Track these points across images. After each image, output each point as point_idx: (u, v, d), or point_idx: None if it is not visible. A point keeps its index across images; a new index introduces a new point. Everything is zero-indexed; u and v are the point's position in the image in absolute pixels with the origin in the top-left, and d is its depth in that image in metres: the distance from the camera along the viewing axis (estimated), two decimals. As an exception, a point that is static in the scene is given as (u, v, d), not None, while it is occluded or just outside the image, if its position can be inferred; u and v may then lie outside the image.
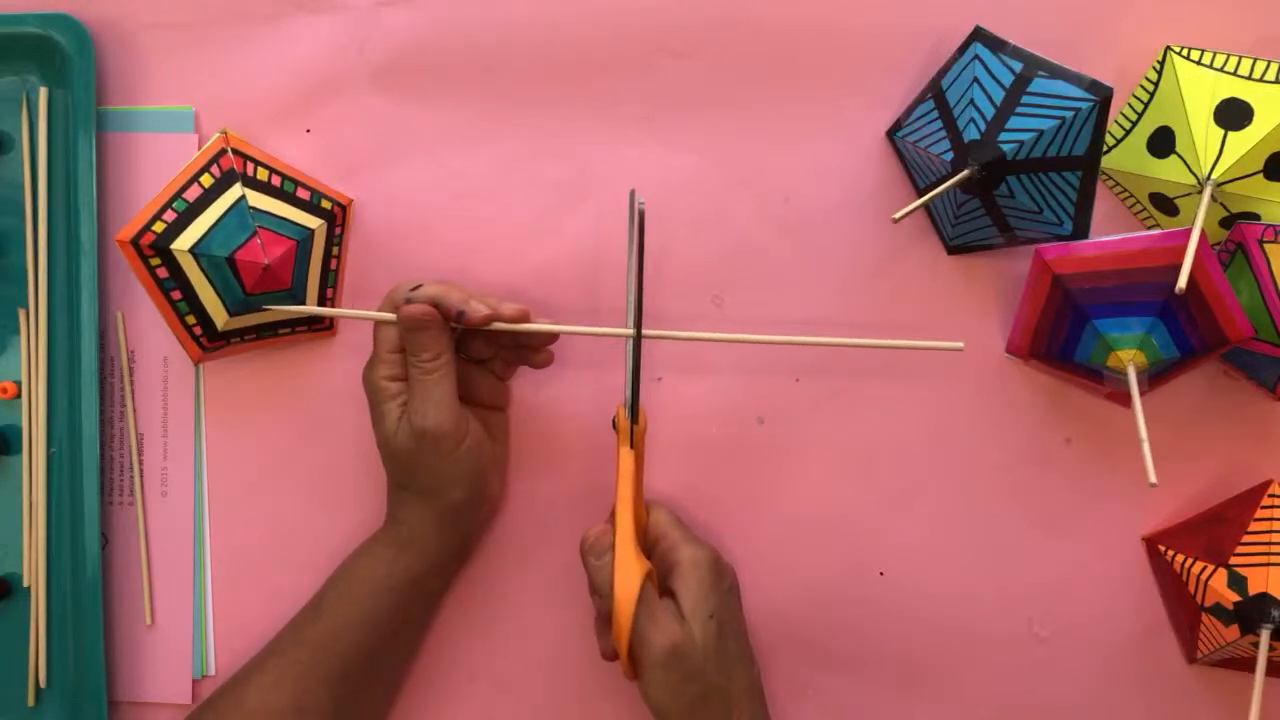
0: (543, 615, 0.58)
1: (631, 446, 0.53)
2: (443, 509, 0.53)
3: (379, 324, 0.54)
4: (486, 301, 0.52)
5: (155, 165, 0.58)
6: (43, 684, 0.58)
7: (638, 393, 0.53)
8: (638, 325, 0.52)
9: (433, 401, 0.51)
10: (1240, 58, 0.53)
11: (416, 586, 0.54)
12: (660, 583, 0.53)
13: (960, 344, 0.52)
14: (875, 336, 0.57)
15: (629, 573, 0.50)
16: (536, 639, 0.58)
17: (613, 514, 0.54)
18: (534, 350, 0.55)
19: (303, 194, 0.56)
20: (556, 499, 0.59)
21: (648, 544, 0.54)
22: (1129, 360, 0.51)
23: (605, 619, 0.53)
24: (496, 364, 0.56)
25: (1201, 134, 0.52)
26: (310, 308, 0.55)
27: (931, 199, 0.52)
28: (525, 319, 0.53)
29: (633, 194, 0.52)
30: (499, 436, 0.57)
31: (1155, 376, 0.52)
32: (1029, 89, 0.51)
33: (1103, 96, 0.50)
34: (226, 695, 0.54)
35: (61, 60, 0.57)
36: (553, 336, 0.55)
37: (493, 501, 0.57)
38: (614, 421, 0.54)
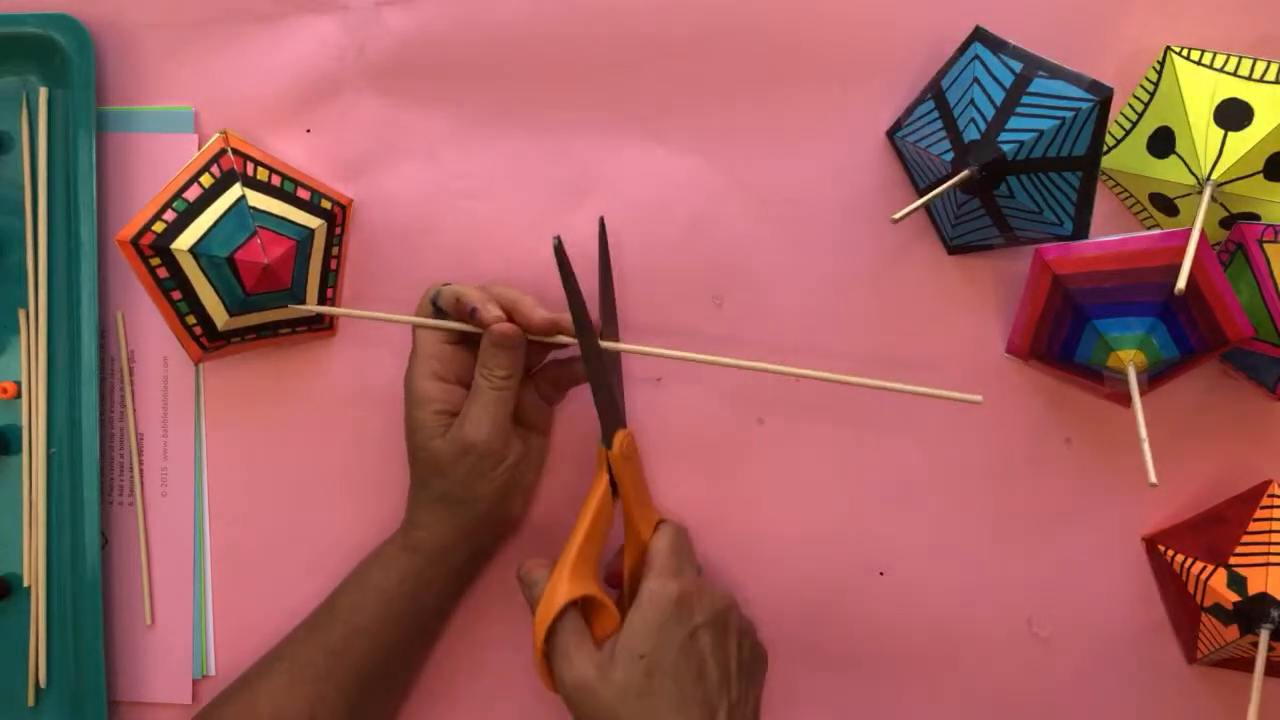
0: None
1: (610, 473, 0.52)
2: (464, 518, 0.53)
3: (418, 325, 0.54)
4: (522, 305, 0.52)
5: (155, 165, 0.58)
6: (43, 684, 0.58)
7: (613, 417, 0.52)
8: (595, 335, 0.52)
9: (490, 417, 0.51)
10: (1240, 58, 0.53)
11: (429, 592, 0.54)
12: (625, 609, 0.51)
13: (979, 397, 0.51)
14: (876, 338, 0.57)
15: (549, 605, 0.49)
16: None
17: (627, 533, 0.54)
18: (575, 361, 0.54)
19: (303, 194, 0.56)
20: (558, 501, 0.58)
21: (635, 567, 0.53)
22: (1129, 360, 0.51)
23: None
24: (543, 383, 0.55)
25: (1201, 134, 0.52)
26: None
27: (931, 199, 0.52)
28: (553, 329, 0.52)
29: (601, 220, 0.52)
30: (535, 461, 0.56)
31: (1155, 376, 0.52)
32: (1029, 89, 0.51)
33: (1103, 96, 0.50)
34: (236, 699, 0.54)
35: (61, 60, 0.57)
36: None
37: (514, 522, 0.57)
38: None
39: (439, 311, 0.54)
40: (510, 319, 0.52)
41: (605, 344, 0.53)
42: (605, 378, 0.52)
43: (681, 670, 0.49)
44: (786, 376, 0.57)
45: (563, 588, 0.49)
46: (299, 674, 0.53)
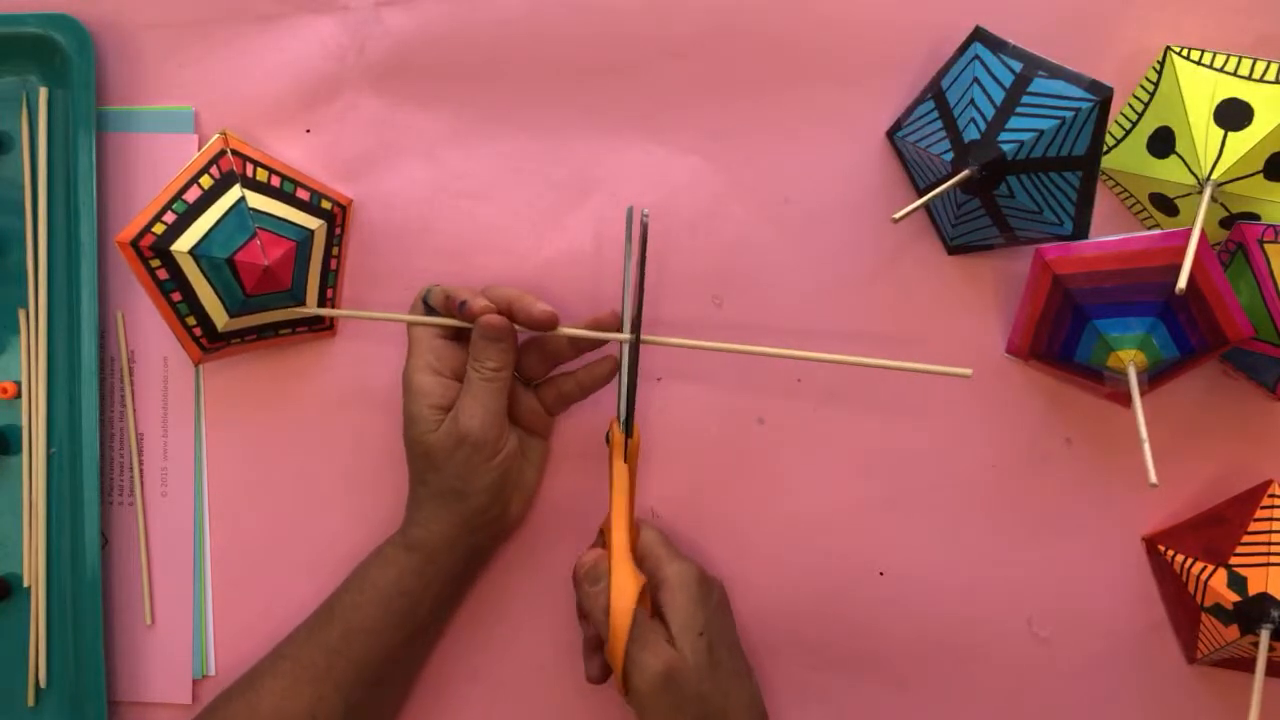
0: (543, 616, 0.58)
1: (626, 460, 0.53)
2: (461, 513, 0.53)
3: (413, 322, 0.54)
4: (521, 301, 0.52)
5: (155, 165, 0.58)
6: (43, 684, 0.58)
7: (633, 404, 0.53)
8: (636, 331, 0.52)
9: (483, 407, 0.52)
10: (1240, 58, 0.53)
11: (428, 591, 0.54)
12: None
13: (968, 370, 0.51)
14: (876, 337, 0.57)
15: (623, 596, 0.49)
16: (537, 639, 0.58)
17: (601, 531, 0.54)
18: (591, 361, 0.55)
19: (302, 194, 0.56)
20: (558, 502, 0.58)
21: (635, 562, 0.54)
22: (1129, 360, 0.51)
23: (594, 642, 0.53)
24: (548, 393, 0.56)
25: (1201, 134, 0.52)
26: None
27: (931, 199, 0.52)
28: (554, 322, 0.52)
29: (630, 210, 0.52)
30: (534, 462, 0.57)
31: (1155, 376, 0.52)
32: (1029, 89, 0.51)
33: (1103, 96, 0.50)
34: (237, 699, 0.54)
35: (61, 60, 0.57)
36: (599, 343, 0.55)
37: (512, 521, 0.57)
38: (607, 436, 0.54)
39: (430, 310, 0.55)
40: (509, 314, 0.52)
41: (649, 338, 0.53)
42: (637, 369, 0.53)
43: (729, 640, 0.53)
44: (786, 377, 0.57)
45: (630, 579, 0.49)
46: (301, 674, 0.53)
